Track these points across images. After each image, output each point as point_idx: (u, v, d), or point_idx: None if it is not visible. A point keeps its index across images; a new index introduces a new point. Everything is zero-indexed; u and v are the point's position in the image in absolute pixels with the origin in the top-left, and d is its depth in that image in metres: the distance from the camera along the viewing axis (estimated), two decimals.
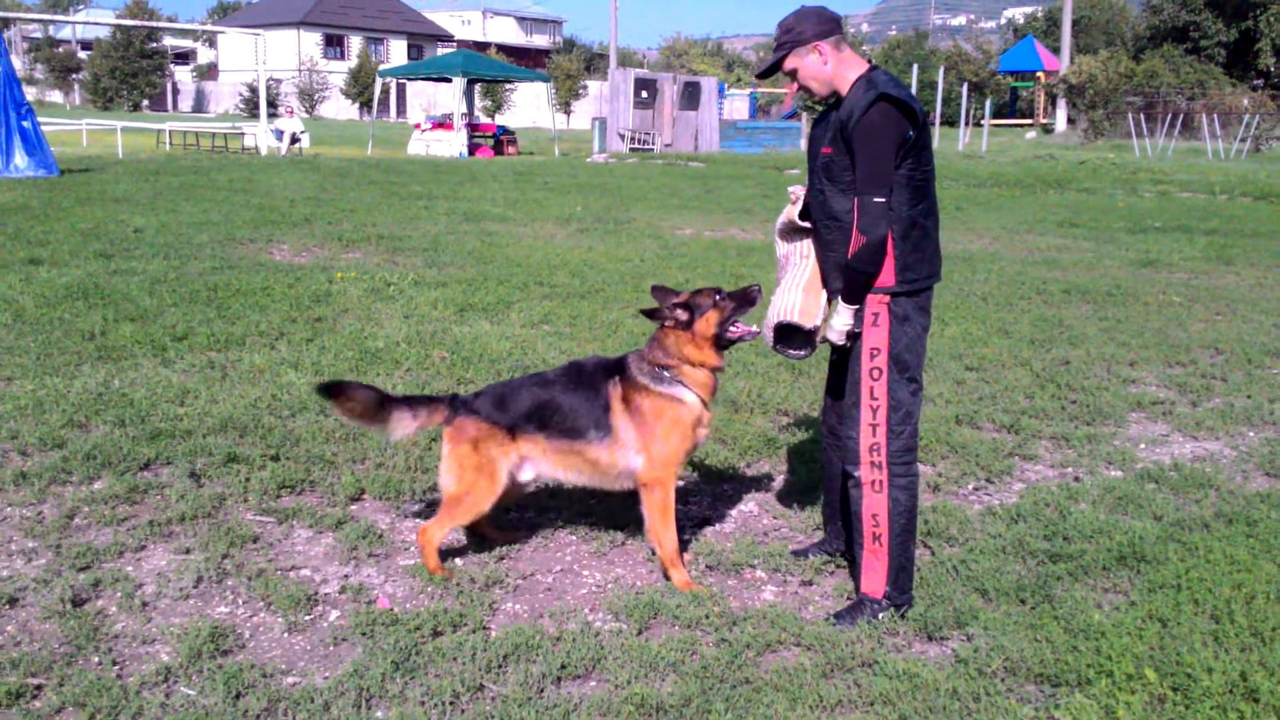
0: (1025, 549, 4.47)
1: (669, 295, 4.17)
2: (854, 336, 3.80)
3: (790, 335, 3.99)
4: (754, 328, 4.15)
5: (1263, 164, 30.72)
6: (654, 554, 4.28)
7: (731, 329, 4.10)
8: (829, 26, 3.75)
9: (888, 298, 3.73)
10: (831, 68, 3.76)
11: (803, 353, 4.02)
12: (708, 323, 4.07)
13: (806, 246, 4.01)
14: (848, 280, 3.73)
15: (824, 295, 3.96)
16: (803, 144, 36.67)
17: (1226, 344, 8.33)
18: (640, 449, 4.10)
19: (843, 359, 3.96)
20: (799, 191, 4.03)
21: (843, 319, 3.77)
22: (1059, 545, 4.50)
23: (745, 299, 4.10)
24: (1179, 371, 7.59)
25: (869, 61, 3.81)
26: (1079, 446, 5.91)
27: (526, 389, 4.26)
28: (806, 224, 3.97)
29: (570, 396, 4.18)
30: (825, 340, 3.91)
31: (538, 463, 4.24)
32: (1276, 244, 14.40)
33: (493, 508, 4.25)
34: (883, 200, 3.60)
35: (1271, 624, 3.71)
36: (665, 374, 4.09)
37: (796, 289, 3.96)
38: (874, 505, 3.83)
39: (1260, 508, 4.96)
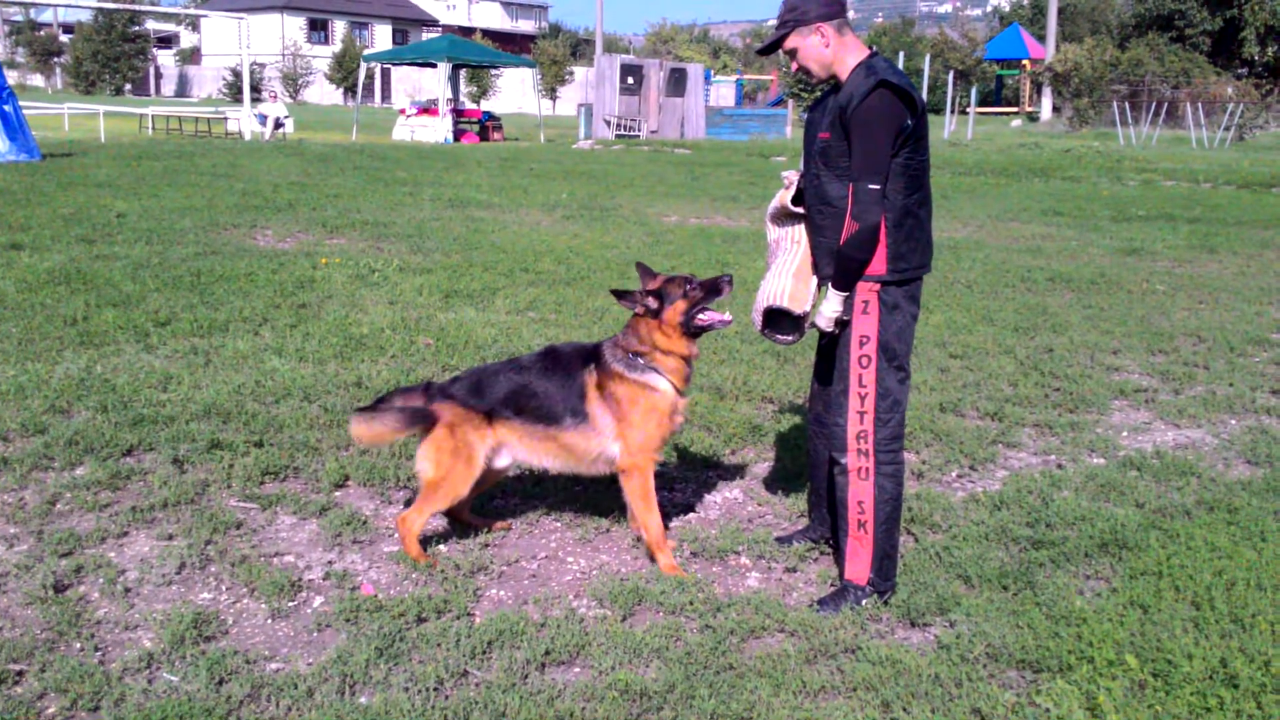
0: (1008, 536, 4.50)
1: (650, 276, 4.18)
2: (843, 324, 3.81)
3: (779, 320, 3.99)
4: (725, 315, 4.16)
5: (1246, 152, 30.84)
6: (639, 540, 4.29)
7: (700, 317, 4.10)
8: (834, 9, 3.73)
9: (878, 286, 3.73)
10: (832, 51, 3.75)
11: (790, 338, 4.02)
12: (675, 311, 4.08)
13: (798, 232, 4.01)
14: (839, 266, 3.73)
15: (814, 281, 3.95)
16: (789, 131, 36.63)
17: (1209, 332, 8.38)
18: (617, 436, 4.12)
19: (831, 346, 3.97)
20: (792, 176, 4.01)
21: (832, 305, 3.77)
22: (1041, 532, 4.53)
23: (714, 289, 4.11)
24: (1162, 359, 7.62)
25: (870, 47, 3.80)
26: (1062, 434, 5.94)
27: (503, 374, 4.27)
28: (799, 209, 3.96)
29: (546, 382, 4.20)
30: (814, 326, 3.91)
31: (514, 448, 4.26)
32: (1259, 232, 14.47)
33: (470, 492, 4.26)
34: (877, 187, 3.60)
35: (1251, 610, 3.74)
36: (639, 361, 4.11)
37: (786, 274, 3.95)
38: (860, 492, 3.84)
39: (1241, 495, 4.99)
